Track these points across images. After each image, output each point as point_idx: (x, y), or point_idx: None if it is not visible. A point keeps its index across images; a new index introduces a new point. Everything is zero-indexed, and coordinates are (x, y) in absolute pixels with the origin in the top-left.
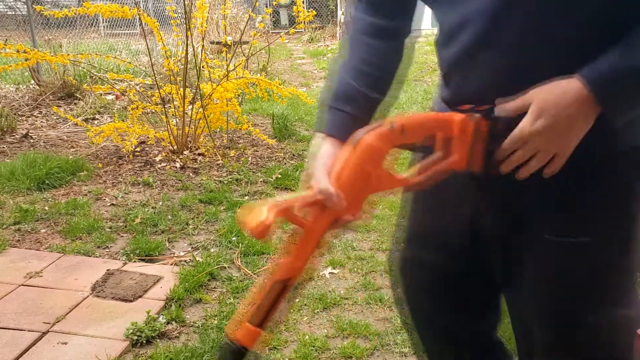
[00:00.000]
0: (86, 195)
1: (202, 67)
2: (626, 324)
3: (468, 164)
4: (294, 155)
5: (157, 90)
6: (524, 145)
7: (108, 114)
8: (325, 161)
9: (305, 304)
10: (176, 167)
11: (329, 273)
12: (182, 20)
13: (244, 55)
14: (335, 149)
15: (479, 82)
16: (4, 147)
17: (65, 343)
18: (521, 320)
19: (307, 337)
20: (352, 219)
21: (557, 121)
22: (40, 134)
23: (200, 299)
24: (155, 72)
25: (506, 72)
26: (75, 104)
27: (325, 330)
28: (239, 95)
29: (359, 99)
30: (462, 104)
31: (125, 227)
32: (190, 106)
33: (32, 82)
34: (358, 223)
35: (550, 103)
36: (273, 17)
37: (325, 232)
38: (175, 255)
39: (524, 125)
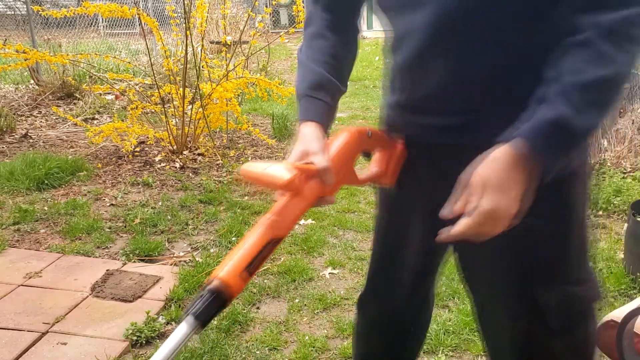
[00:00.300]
0: (86, 195)
1: (202, 66)
2: (576, 304)
3: (390, 182)
4: None
5: (156, 90)
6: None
7: (107, 114)
8: (318, 142)
9: (305, 304)
10: (176, 167)
11: (329, 273)
12: (181, 20)
13: (244, 55)
14: (321, 132)
15: (427, 86)
16: (3, 147)
17: (65, 343)
18: (482, 304)
19: (307, 337)
20: (331, 200)
21: (501, 194)
22: (40, 133)
23: None
24: (154, 71)
25: (453, 76)
26: (74, 103)
27: (325, 331)
28: (238, 95)
29: (332, 88)
30: (412, 108)
31: (125, 227)
32: (190, 106)
33: (32, 82)
34: (329, 203)
35: (490, 181)
36: (273, 16)
37: (312, 205)
38: (175, 255)
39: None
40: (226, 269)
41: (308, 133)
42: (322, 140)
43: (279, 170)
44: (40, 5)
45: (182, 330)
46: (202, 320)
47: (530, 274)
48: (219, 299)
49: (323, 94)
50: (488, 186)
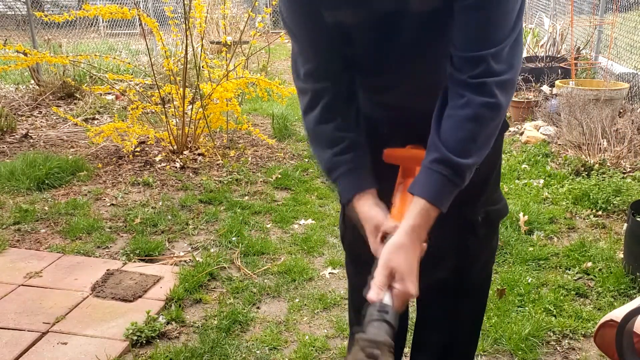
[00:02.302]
0: (86, 195)
1: (202, 67)
2: (495, 218)
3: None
4: (294, 155)
5: (157, 90)
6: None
7: (108, 114)
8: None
9: (305, 304)
10: (176, 167)
11: (329, 273)
12: (181, 20)
13: (244, 55)
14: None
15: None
16: (3, 147)
17: (65, 343)
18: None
19: (307, 337)
20: None
21: (411, 274)
22: (40, 134)
23: (200, 299)
24: (155, 72)
25: (421, 94)
26: (75, 104)
27: (325, 330)
28: (238, 95)
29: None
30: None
31: (125, 227)
32: (190, 106)
33: (32, 82)
34: None
35: (401, 270)
36: (273, 16)
37: None
38: (175, 255)
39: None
40: None
41: (372, 207)
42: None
43: None
44: (40, 6)
45: None
46: None
47: (468, 202)
48: None
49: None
50: (400, 274)
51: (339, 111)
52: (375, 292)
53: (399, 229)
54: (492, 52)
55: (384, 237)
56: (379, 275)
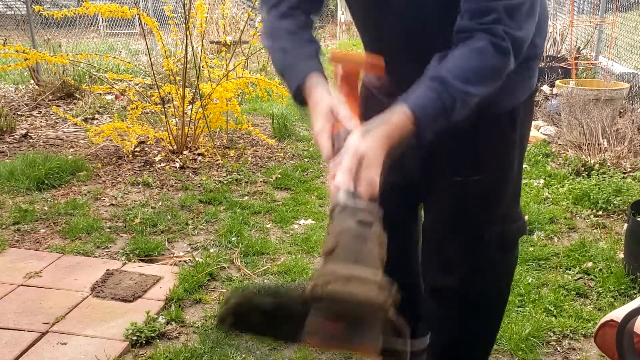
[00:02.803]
0: (86, 195)
1: (202, 66)
2: (510, 236)
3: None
4: (294, 155)
5: (156, 90)
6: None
7: (107, 113)
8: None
9: None
10: (176, 167)
11: None
12: (181, 20)
13: (244, 55)
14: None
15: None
16: (3, 147)
17: (65, 343)
18: (436, 239)
19: None
20: None
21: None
22: (40, 133)
23: (200, 299)
24: (154, 71)
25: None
26: (74, 103)
27: None
28: (238, 95)
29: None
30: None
31: (125, 227)
32: (190, 106)
33: (32, 82)
34: None
35: (368, 158)
36: None
37: None
38: (175, 255)
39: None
40: None
41: (324, 89)
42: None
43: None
44: (40, 5)
45: None
46: None
47: (479, 216)
48: None
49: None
50: (369, 161)
51: (300, 16)
52: (344, 178)
53: (371, 121)
54: (504, 4)
55: (341, 134)
56: (346, 161)
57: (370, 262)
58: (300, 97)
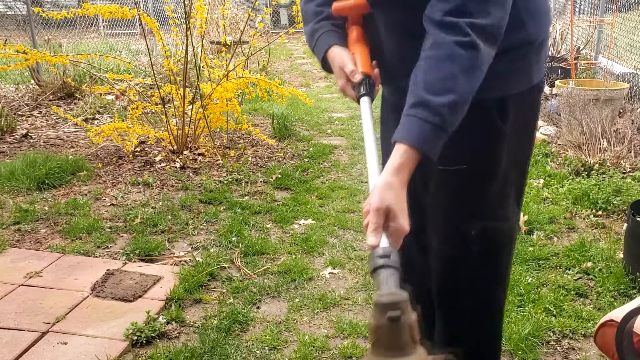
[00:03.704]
0: (86, 195)
1: (202, 67)
2: (492, 236)
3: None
4: (294, 155)
5: (157, 90)
6: None
7: (108, 114)
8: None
9: (305, 304)
10: (176, 167)
11: (329, 273)
12: (181, 20)
13: (244, 55)
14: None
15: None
16: (3, 147)
17: (65, 343)
18: (430, 236)
19: (307, 337)
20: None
21: (403, 211)
22: (40, 134)
23: (200, 299)
24: (155, 72)
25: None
26: (75, 103)
27: (325, 330)
28: (238, 95)
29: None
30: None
31: (125, 227)
32: (190, 106)
33: (32, 82)
34: None
35: (394, 209)
36: (273, 16)
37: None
38: (175, 255)
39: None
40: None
41: (333, 55)
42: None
43: None
44: (40, 6)
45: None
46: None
47: (457, 208)
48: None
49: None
50: (394, 212)
51: None
52: (374, 235)
53: (384, 170)
54: None
55: (354, 86)
56: (373, 217)
57: (406, 350)
58: (327, 67)
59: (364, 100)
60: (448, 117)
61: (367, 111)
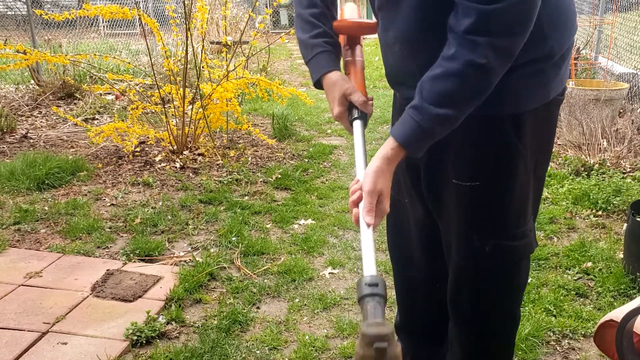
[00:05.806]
0: (86, 195)
1: (202, 67)
2: (506, 253)
3: None
4: (294, 155)
5: (157, 90)
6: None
7: (108, 114)
8: (346, 83)
9: (305, 304)
10: (176, 167)
11: (329, 273)
12: (181, 20)
13: (244, 56)
14: (338, 75)
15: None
16: (3, 147)
17: (65, 343)
18: (447, 248)
19: (307, 337)
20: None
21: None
22: (40, 134)
23: (200, 299)
24: (155, 72)
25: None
26: (75, 104)
27: (325, 330)
28: (238, 96)
29: (325, 41)
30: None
31: (125, 227)
32: (190, 106)
33: (32, 82)
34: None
35: (383, 189)
36: (273, 17)
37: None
38: (175, 255)
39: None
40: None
41: (334, 81)
42: (346, 80)
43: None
44: (40, 6)
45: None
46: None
47: (470, 224)
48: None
49: (321, 47)
50: (383, 196)
51: (317, 3)
52: (369, 215)
53: (376, 157)
54: (491, 9)
55: (351, 108)
56: (368, 199)
57: None
58: (319, 86)
59: (357, 124)
60: (439, 127)
61: (359, 135)
